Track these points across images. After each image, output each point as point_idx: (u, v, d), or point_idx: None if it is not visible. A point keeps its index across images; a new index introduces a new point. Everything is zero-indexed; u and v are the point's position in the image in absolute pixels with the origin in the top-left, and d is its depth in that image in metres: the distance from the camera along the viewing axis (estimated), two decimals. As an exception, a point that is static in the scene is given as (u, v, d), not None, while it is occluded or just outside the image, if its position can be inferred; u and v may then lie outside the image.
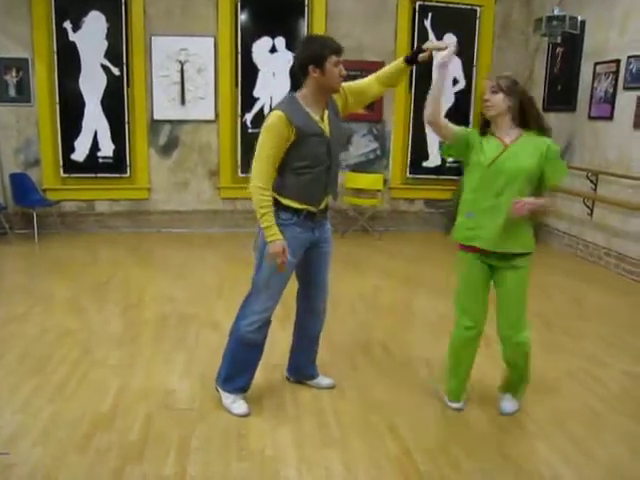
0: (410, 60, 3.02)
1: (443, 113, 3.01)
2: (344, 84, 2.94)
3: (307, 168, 2.84)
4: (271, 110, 2.84)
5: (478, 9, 7.58)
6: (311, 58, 2.76)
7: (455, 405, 3.14)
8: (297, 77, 2.85)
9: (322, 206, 2.97)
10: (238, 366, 3.07)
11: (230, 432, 2.88)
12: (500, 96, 2.77)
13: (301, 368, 3.36)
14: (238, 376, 3.07)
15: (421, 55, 2.98)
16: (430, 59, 3.02)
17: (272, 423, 2.98)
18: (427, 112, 2.93)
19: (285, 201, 2.86)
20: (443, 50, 2.91)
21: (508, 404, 3.12)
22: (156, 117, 7.16)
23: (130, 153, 7.20)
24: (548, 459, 2.75)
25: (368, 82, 3.07)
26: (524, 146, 2.78)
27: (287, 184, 2.85)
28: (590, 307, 5.05)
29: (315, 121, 2.84)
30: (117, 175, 7.23)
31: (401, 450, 2.78)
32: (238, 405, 3.05)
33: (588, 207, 6.49)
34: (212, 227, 7.53)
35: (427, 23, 7.47)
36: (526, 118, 2.80)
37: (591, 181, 6.41)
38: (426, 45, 3.00)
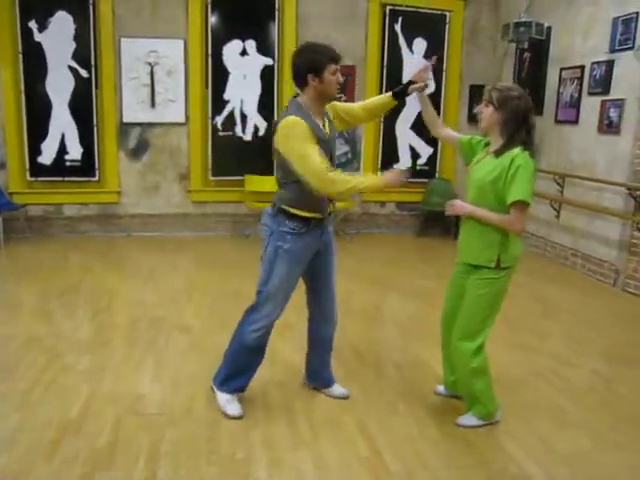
0: (398, 94, 3.10)
1: (440, 127, 3.18)
2: (337, 103, 3.02)
3: None
4: (282, 118, 2.80)
5: (447, 14, 7.68)
6: (310, 67, 2.77)
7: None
8: (297, 84, 2.86)
9: (328, 211, 3.01)
10: (239, 368, 3.09)
11: (200, 436, 2.87)
12: (490, 109, 2.78)
13: (318, 374, 3.36)
14: (237, 377, 3.10)
15: (413, 87, 3.06)
16: (424, 87, 3.10)
17: (243, 426, 2.97)
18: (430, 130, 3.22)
19: (295, 211, 2.88)
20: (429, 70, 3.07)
21: (463, 417, 3.06)
22: (125, 120, 7.09)
23: (99, 156, 7.11)
24: (515, 456, 2.80)
25: (356, 107, 3.14)
26: (495, 159, 2.77)
27: (297, 195, 2.85)
28: (556, 307, 5.14)
29: (321, 128, 2.87)
30: (86, 179, 7.13)
31: (371, 450, 2.80)
32: (232, 406, 3.07)
33: (555, 209, 6.62)
34: (182, 231, 7.48)
35: (397, 28, 7.54)
36: (512, 132, 2.74)
37: (558, 183, 6.54)
38: (414, 78, 3.08)
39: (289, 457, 2.73)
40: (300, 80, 2.83)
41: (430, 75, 3.11)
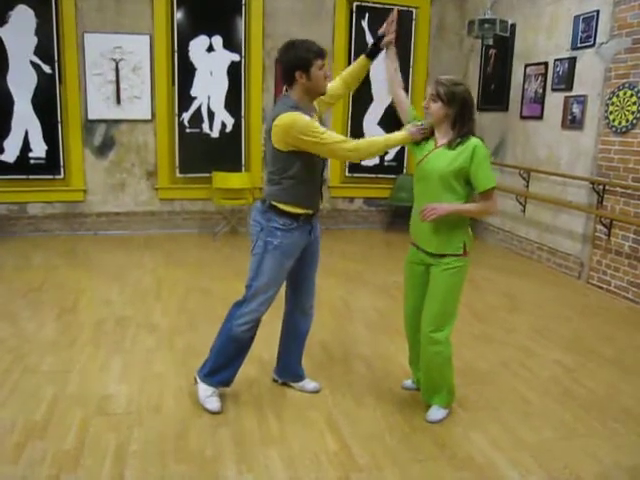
0: (371, 53, 3.16)
1: (398, 87, 3.16)
2: None
3: (308, 172, 2.88)
4: (278, 113, 2.78)
5: (414, 10, 7.73)
6: (297, 64, 2.78)
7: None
8: (285, 81, 2.87)
9: (317, 208, 3.02)
10: (225, 361, 3.09)
11: (169, 434, 2.85)
12: (438, 104, 2.82)
13: (290, 368, 3.36)
14: (223, 370, 3.09)
15: (385, 40, 3.12)
16: (395, 38, 3.15)
17: (212, 423, 2.96)
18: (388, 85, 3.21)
19: (286, 207, 2.88)
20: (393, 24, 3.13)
21: (431, 412, 3.08)
22: (90, 117, 6.97)
23: (64, 154, 6.98)
24: (481, 446, 2.85)
25: (334, 85, 3.15)
26: (450, 151, 2.81)
27: (288, 191, 2.86)
28: (522, 300, 5.23)
29: None
30: (50, 176, 6.99)
31: (340, 444, 2.82)
32: (212, 400, 3.07)
33: (521, 203, 6.73)
34: (150, 228, 7.39)
35: (364, 24, 7.57)
36: (463, 124, 2.81)
37: (523, 178, 6.65)
38: (381, 30, 3.14)
39: (258, 453, 2.73)
40: (288, 78, 2.84)
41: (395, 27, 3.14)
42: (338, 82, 3.19)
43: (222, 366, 3.09)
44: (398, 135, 2.91)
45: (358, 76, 3.25)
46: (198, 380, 3.13)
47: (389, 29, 3.12)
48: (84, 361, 3.65)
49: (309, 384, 3.35)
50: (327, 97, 3.07)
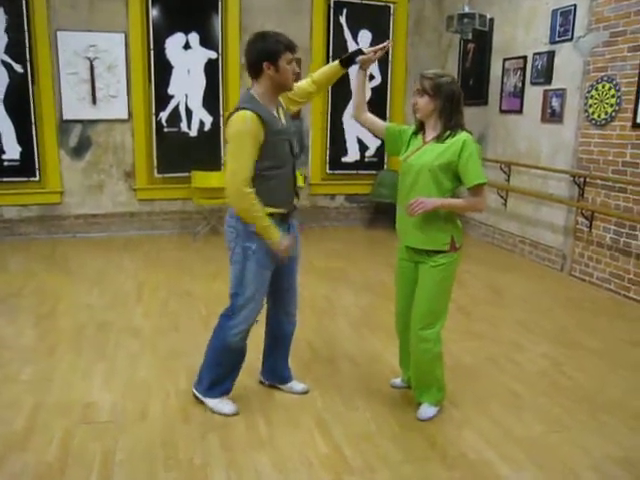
0: (345, 62, 3.06)
1: (365, 111, 3.11)
2: None
3: (276, 169, 2.78)
4: (234, 111, 2.70)
5: (392, 6, 7.70)
6: (265, 54, 2.70)
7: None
8: (251, 73, 2.79)
9: (292, 206, 2.95)
10: (225, 372, 3.04)
11: (156, 442, 2.78)
12: (425, 99, 2.79)
13: (276, 371, 3.31)
14: (223, 380, 3.05)
15: (361, 57, 3.02)
16: (373, 62, 3.08)
17: (200, 429, 2.90)
18: (352, 111, 3.15)
19: None
20: (382, 51, 3.05)
21: (422, 410, 3.06)
22: (66, 117, 6.82)
23: (39, 155, 6.82)
24: (473, 443, 2.83)
25: (304, 84, 3.08)
26: (439, 144, 2.78)
27: (258, 191, 2.73)
28: (507, 294, 5.24)
29: (277, 118, 2.80)
30: (25, 179, 6.83)
31: (331, 446, 2.78)
32: (224, 404, 3.04)
33: (502, 197, 6.75)
34: (129, 230, 7.27)
35: (342, 19, 7.52)
36: (450, 117, 2.77)
37: (504, 172, 6.66)
38: (367, 50, 3.05)
39: (248, 459, 2.67)
40: (255, 69, 2.75)
41: (379, 55, 3.07)
42: (308, 81, 3.09)
43: (222, 377, 3.04)
44: (274, 231, 2.76)
45: (329, 80, 3.15)
46: (200, 397, 3.08)
47: (374, 51, 3.03)
48: (65, 368, 3.56)
49: (297, 385, 3.31)
50: (297, 95, 3.01)
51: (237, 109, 2.70)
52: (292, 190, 2.94)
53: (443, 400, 3.12)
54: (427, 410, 3.05)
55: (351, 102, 3.18)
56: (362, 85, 3.11)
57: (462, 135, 2.76)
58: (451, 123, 2.77)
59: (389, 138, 3.06)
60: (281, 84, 2.78)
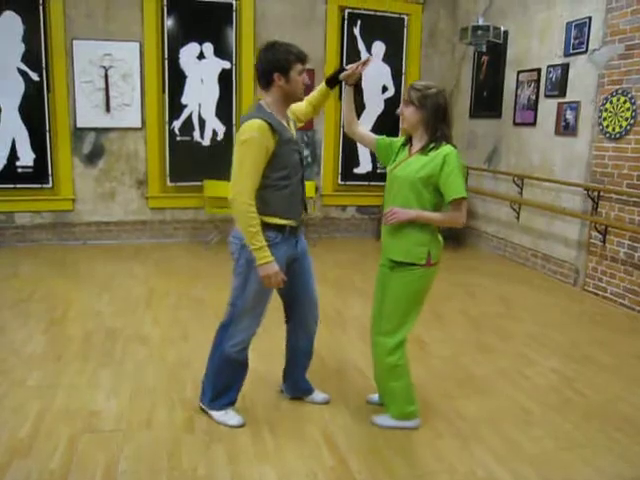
0: (329, 81, 3.05)
1: (357, 125, 3.13)
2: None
3: (286, 179, 2.76)
4: (245, 120, 2.68)
5: (406, 17, 7.71)
6: (276, 65, 2.69)
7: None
8: (261, 84, 2.77)
9: (301, 218, 2.92)
10: (226, 384, 3.02)
11: (160, 452, 2.75)
12: (411, 109, 2.78)
13: (299, 385, 3.28)
14: (227, 392, 3.02)
15: (343, 74, 2.99)
16: (359, 77, 3.03)
17: (205, 440, 2.87)
18: (345, 126, 3.16)
19: (269, 219, 2.74)
20: (366, 65, 2.99)
21: (379, 417, 3.04)
22: (79, 125, 6.87)
23: (52, 162, 6.87)
24: (482, 459, 2.78)
25: (304, 104, 3.10)
26: (423, 156, 2.76)
27: (268, 201, 2.72)
28: (518, 307, 5.18)
29: (287, 128, 2.79)
30: (38, 186, 6.88)
31: (337, 459, 2.74)
32: (231, 416, 3.01)
33: (515, 210, 6.69)
34: (140, 238, 7.29)
35: (356, 31, 7.54)
36: (435, 129, 2.75)
37: (517, 185, 6.61)
38: (348, 67, 3.02)
39: (253, 470, 2.64)
40: (266, 79, 2.74)
41: (364, 70, 3.01)
42: (306, 103, 3.11)
43: (224, 389, 3.02)
44: (262, 257, 2.67)
45: (319, 102, 3.16)
46: (205, 409, 3.06)
47: (355, 68, 2.98)
48: (72, 375, 3.55)
49: (318, 396, 3.29)
50: (299, 112, 3.03)
51: (248, 118, 2.69)
52: (302, 202, 2.91)
53: (410, 417, 3.01)
54: (383, 419, 3.03)
55: (342, 117, 3.17)
56: (350, 101, 3.09)
57: (445, 149, 2.72)
58: (436, 135, 2.75)
59: (380, 150, 3.05)
60: (291, 95, 2.77)
